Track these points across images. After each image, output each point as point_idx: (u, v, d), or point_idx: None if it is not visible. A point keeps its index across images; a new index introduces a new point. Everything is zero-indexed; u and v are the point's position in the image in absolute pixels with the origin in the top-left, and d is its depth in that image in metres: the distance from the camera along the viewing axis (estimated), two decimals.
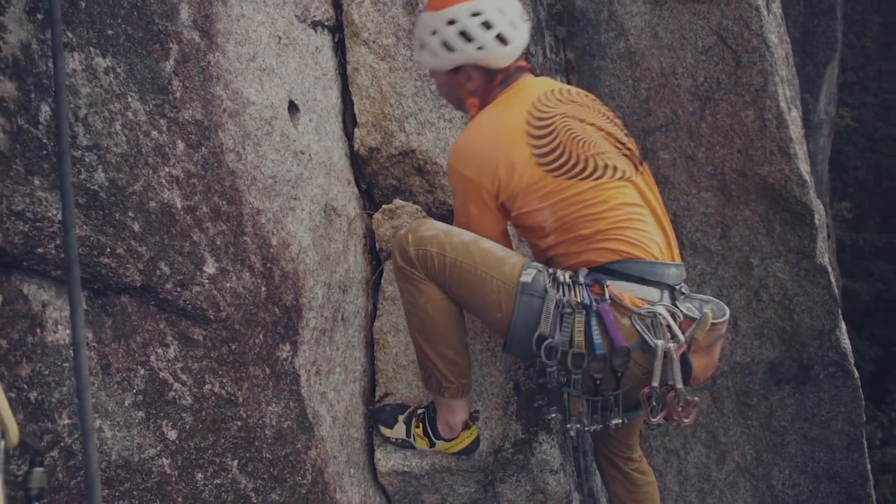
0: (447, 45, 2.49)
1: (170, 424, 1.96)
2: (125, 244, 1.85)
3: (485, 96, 2.59)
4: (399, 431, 2.81)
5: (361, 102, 3.09)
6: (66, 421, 1.65)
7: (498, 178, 2.41)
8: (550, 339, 2.33)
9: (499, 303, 2.39)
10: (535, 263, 2.43)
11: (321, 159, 2.82)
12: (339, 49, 3.09)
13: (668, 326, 2.31)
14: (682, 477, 4.51)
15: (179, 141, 2.10)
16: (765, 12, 3.62)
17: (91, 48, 1.83)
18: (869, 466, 4.44)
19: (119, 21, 1.92)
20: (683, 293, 2.45)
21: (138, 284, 1.89)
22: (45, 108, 1.65)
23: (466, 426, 2.73)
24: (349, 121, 3.13)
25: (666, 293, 2.40)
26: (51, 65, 1.68)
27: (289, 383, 2.44)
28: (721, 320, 2.39)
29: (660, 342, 2.29)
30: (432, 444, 2.75)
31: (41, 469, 1.04)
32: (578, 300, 2.32)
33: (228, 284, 2.22)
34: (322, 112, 2.89)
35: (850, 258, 14.06)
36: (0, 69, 1.55)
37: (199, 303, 2.09)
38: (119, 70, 1.91)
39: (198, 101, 2.19)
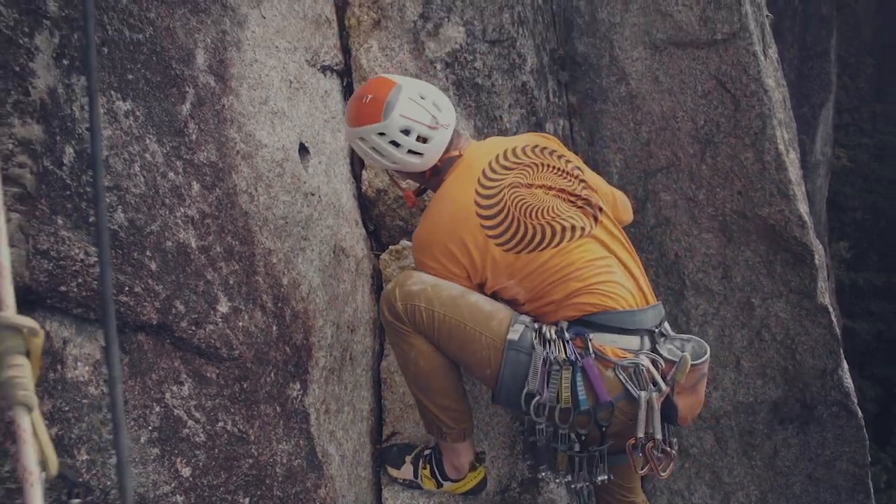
0: (367, 156, 2.57)
1: (184, 461, 1.98)
2: (143, 283, 1.89)
3: (426, 185, 2.67)
4: (406, 472, 2.82)
5: None
6: (85, 457, 1.67)
7: (463, 265, 2.46)
8: (539, 396, 2.35)
9: (488, 359, 2.41)
10: (522, 318, 2.45)
11: (330, 200, 2.87)
12: (348, 93, 3.16)
13: (650, 375, 2.33)
14: None
15: (195, 182, 2.15)
16: (762, 57, 3.71)
17: (112, 92, 1.89)
18: None
19: (139, 66, 1.99)
20: (664, 334, 2.48)
21: (154, 322, 1.93)
22: (70, 150, 1.71)
23: (473, 467, 2.74)
24: (357, 163, 3.19)
25: (646, 338, 2.43)
26: (75, 109, 1.74)
27: (299, 422, 2.47)
28: (700, 361, 2.40)
29: (643, 393, 2.31)
30: (440, 485, 2.76)
31: (78, 501, 1.06)
32: (565, 356, 2.35)
33: (241, 323, 2.25)
34: (331, 154, 2.95)
35: (850, 298, 14.08)
36: (28, 112, 1.60)
37: (212, 341, 2.12)
38: (138, 113, 1.97)
39: (212, 143, 2.25)
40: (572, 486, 2.51)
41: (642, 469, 2.37)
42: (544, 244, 2.42)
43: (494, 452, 2.95)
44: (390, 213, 3.21)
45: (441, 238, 2.47)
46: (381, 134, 2.46)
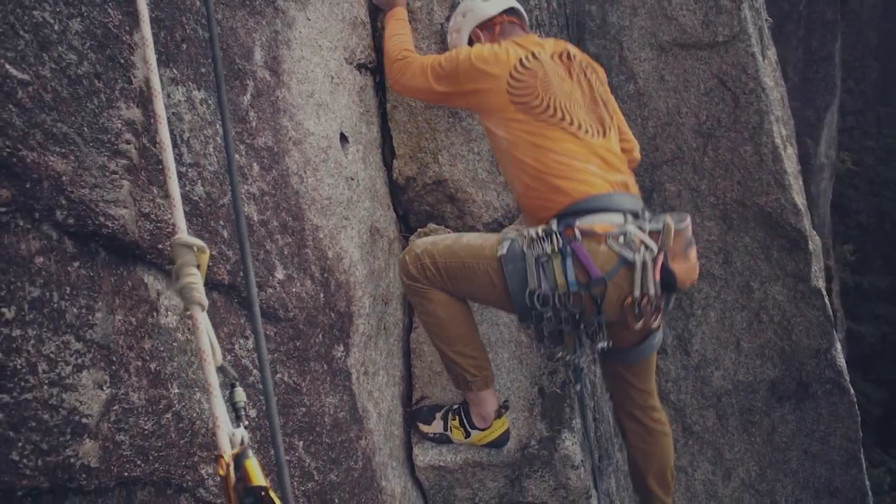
0: (457, 29, 3.20)
1: (250, 404, 2.28)
2: (217, 248, 2.19)
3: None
4: (437, 426, 3.13)
5: (399, 136, 3.46)
6: (176, 390, 1.97)
7: (471, 81, 2.88)
8: (539, 289, 2.69)
9: (492, 282, 2.78)
10: (509, 234, 2.82)
11: (367, 185, 3.17)
12: (380, 89, 3.46)
13: (641, 240, 2.62)
14: (690, 494, 4.77)
15: (255, 163, 2.45)
16: (760, 58, 4.00)
17: (190, 83, 2.19)
18: (868, 483, 4.69)
19: (210, 61, 2.28)
20: (643, 217, 2.77)
21: (226, 283, 2.23)
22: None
23: (498, 414, 3.05)
24: (388, 152, 3.49)
25: (629, 216, 2.73)
26: (162, 96, 2.04)
27: (342, 379, 2.76)
28: (683, 225, 2.67)
29: (637, 255, 2.60)
30: (468, 435, 3.06)
31: (241, 389, 1.35)
32: (552, 248, 2.67)
33: (294, 289, 2.55)
34: (367, 144, 3.26)
35: (855, 301, 14.23)
36: (131, 98, 1.90)
37: (272, 303, 2.42)
38: (210, 102, 2.26)
39: (269, 130, 2.55)
40: (579, 361, 2.87)
41: (638, 324, 2.67)
42: (545, 115, 2.81)
43: (515, 415, 3.24)
44: (418, 199, 3.51)
45: (482, 55, 2.88)
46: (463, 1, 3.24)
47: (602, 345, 2.77)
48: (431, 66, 2.96)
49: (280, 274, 2.48)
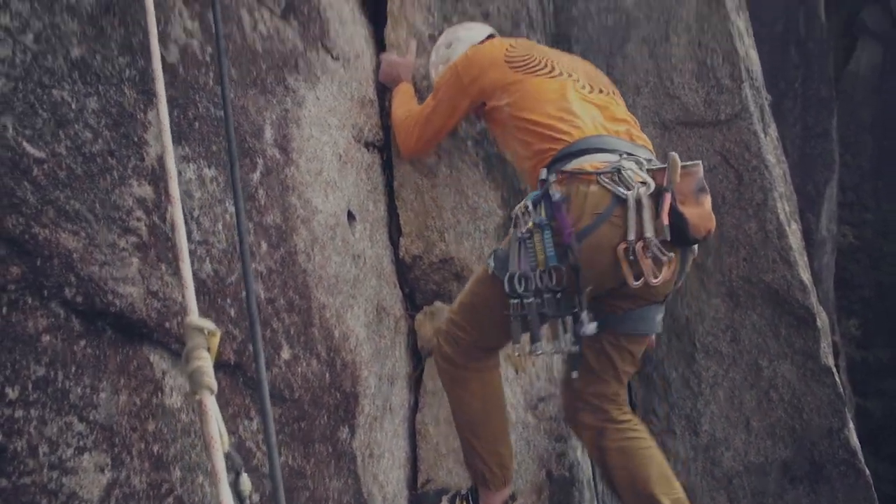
0: (445, 61, 3.19)
1: (253, 488, 2.21)
2: (224, 326, 2.16)
3: None
4: None
5: (406, 214, 3.46)
6: (178, 474, 1.91)
7: (473, 76, 2.88)
8: (517, 271, 2.49)
9: (500, 303, 2.56)
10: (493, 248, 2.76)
11: (373, 263, 3.16)
12: (387, 167, 3.48)
13: (638, 177, 2.39)
14: None
15: (263, 241, 2.44)
16: (762, 136, 4.04)
17: (201, 160, 2.20)
18: None
19: (221, 139, 2.30)
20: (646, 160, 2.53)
21: (232, 362, 2.19)
22: (169, 206, 2.00)
23: None
24: (395, 230, 3.49)
25: (626, 156, 2.49)
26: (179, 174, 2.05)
27: (347, 462, 2.69)
28: (693, 164, 2.45)
29: (630, 192, 2.35)
30: None
31: (246, 476, 1.30)
32: (532, 224, 2.48)
33: (300, 369, 2.51)
34: (373, 222, 3.26)
35: (862, 376, 14.05)
36: (143, 175, 1.91)
37: (277, 383, 2.38)
38: (220, 179, 2.27)
39: (278, 208, 2.55)
40: (563, 348, 2.55)
41: (636, 280, 2.36)
42: (543, 71, 2.77)
43: (522, 499, 3.15)
44: (424, 277, 3.49)
45: (474, 55, 2.94)
46: (444, 37, 3.33)
47: (586, 329, 2.46)
48: (431, 99, 3.03)
49: (286, 353, 2.45)
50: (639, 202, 2.35)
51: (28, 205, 1.51)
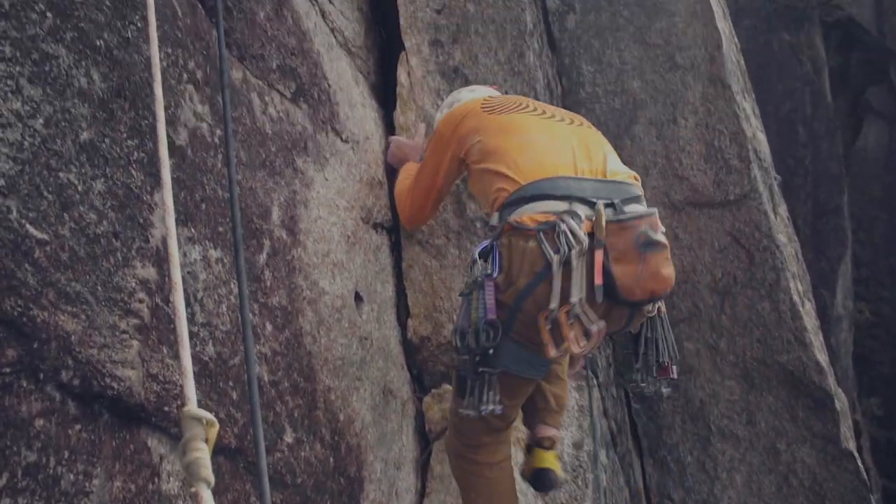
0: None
1: None
2: (225, 410, 2.12)
3: None
4: None
5: (414, 295, 3.45)
6: None
7: (453, 126, 2.77)
8: (458, 326, 2.38)
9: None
10: None
11: (380, 345, 3.13)
12: (396, 248, 3.48)
13: (571, 233, 2.19)
14: None
15: (268, 323, 2.42)
16: (772, 216, 4.04)
17: (207, 241, 2.19)
18: None
19: (227, 220, 2.30)
20: (613, 204, 2.29)
21: (233, 447, 2.14)
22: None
23: None
24: (403, 311, 3.47)
25: (578, 204, 2.27)
26: (179, 255, 2.04)
27: None
28: (627, 217, 2.22)
29: (555, 256, 2.18)
30: None
31: None
32: (473, 279, 2.37)
33: (303, 454, 2.45)
34: (381, 303, 3.24)
35: (886, 457, 13.72)
36: (147, 257, 1.90)
37: (279, 468, 2.32)
38: (226, 261, 2.26)
39: (283, 289, 2.54)
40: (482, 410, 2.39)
41: (552, 349, 2.19)
42: (518, 109, 2.68)
43: None
44: (433, 358, 3.45)
45: (452, 112, 2.87)
46: (448, 98, 3.24)
47: (489, 406, 2.35)
48: (421, 163, 3.01)
49: (289, 437, 2.40)
50: (567, 264, 2.19)
51: (27, 286, 1.50)
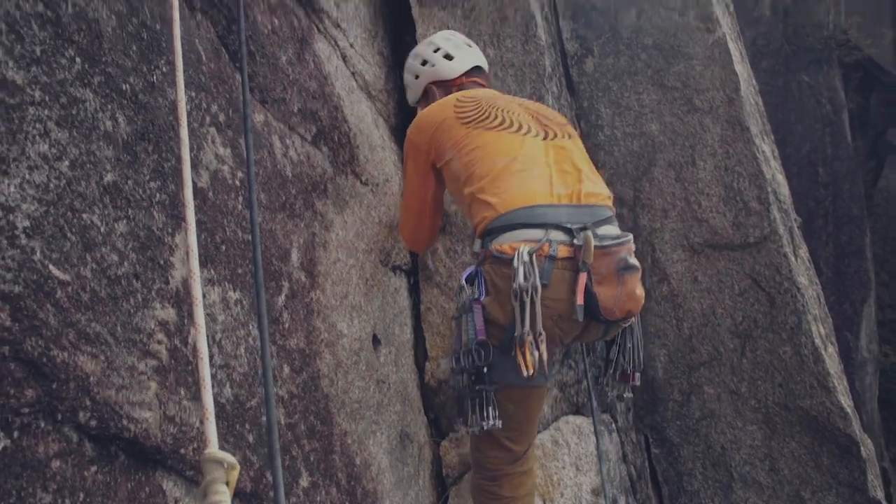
0: (416, 75, 3.15)
1: None
2: (242, 453, 2.11)
3: None
4: None
5: (432, 338, 3.43)
6: None
7: (428, 136, 2.79)
8: (455, 347, 2.53)
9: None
10: None
11: (398, 388, 3.11)
12: (414, 290, 3.48)
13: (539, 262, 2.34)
14: None
15: (286, 365, 2.41)
16: (793, 258, 4.00)
17: (226, 283, 2.20)
18: None
19: (247, 262, 2.32)
20: (587, 230, 2.43)
21: (248, 490, 2.13)
22: (192, 331, 2.00)
23: None
24: (420, 354, 3.45)
25: (554, 232, 2.42)
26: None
27: None
28: (611, 243, 2.39)
29: (520, 284, 2.31)
30: None
31: None
32: (462, 302, 2.51)
33: (318, 498, 2.43)
34: (399, 346, 3.23)
35: None
36: (167, 298, 1.91)
37: None
38: (244, 302, 2.27)
39: (302, 331, 2.54)
40: (471, 429, 2.53)
41: (528, 370, 2.29)
42: (493, 125, 2.67)
43: None
44: (451, 402, 3.43)
45: (425, 119, 2.85)
46: (429, 44, 3.15)
47: (490, 422, 2.46)
48: (405, 181, 3.00)
49: (305, 481, 2.37)
50: (534, 291, 2.32)
51: (49, 327, 1.51)
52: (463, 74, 3.08)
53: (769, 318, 4.00)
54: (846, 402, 3.94)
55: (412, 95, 3.25)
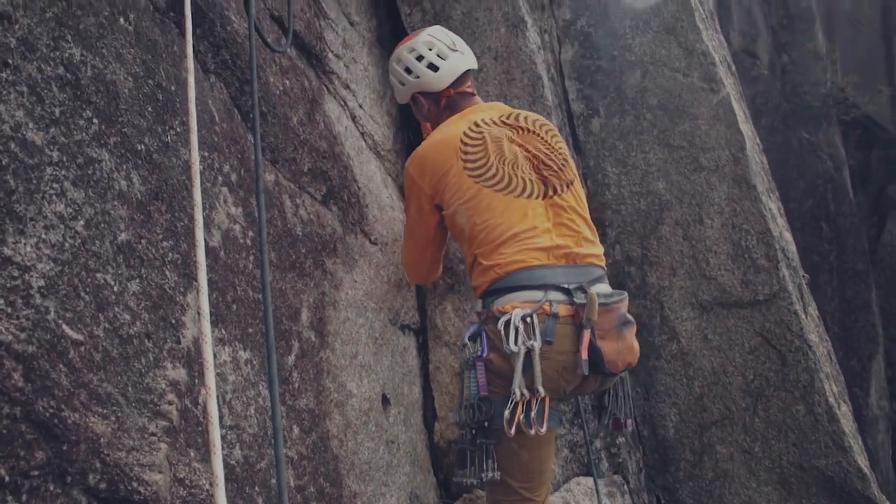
0: (401, 81, 2.98)
1: None
2: None
3: (435, 119, 2.96)
4: None
5: (441, 398, 3.40)
6: None
7: (434, 181, 2.72)
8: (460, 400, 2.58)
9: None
10: None
11: (407, 449, 3.06)
12: (423, 350, 3.46)
13: (528, 326, 2.40)
14: None
15: (295, 426, 2.38)
16: (803, 315, 3.98)
17: (237, 343, 2.19)
18: None
19: (258, 321, 2.30)
20: (584, 290, 2.50)
21: None
22: (203, 391, 1.98)
23: None
24: (430, 414, 3.41)
25: (552, 292, 2.49)
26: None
27: None
28: (612, 300, 2.48)
29: (514, 346, 2.38)
30: None
31: None
32: (466, 358, 2.54)
33: None
34: (408, 405, 3.19)
35: None
36: (178, 358, 1.89)
37: None
38: (255, 362, 2.25)
39: (311, 392, 2.51)
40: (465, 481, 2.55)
41: (511, 429, 2.35)
42: (500, 186, 2.64)
43: None
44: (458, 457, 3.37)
45: (429, 155, 2.77)
46: (412, 50, 2.93)
47: (489, 474, 2.48)
48: (406, 216, 2.97)
49: None
50: (529, 354, 2.40)
51: (61, 388, 1.49)
52: (450, 86, 2.94)
53: (781, 376, 3.96)
54: (863, 461, 3.87)
55: (400, 98, 3.12)
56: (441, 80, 2.93)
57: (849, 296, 10.38)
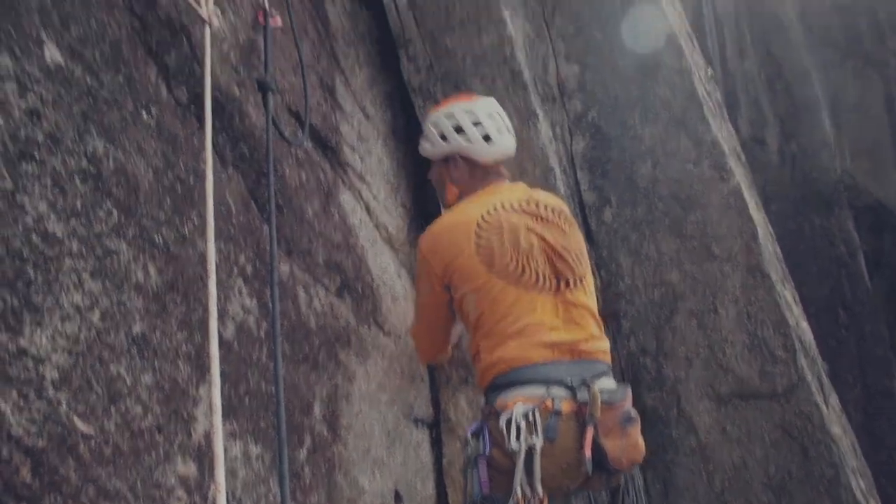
0: (443, 136, 2.87)
1: None
2: None
3: (464, 187, 2.89)
4: None
5: (455, 494, 3.31)
6: None
7: (444, 263, 2.68)
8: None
9: None
10: None
11: None
12: (436, 444, 3.39)
13: (530, 423, 2.40)
14: None
15: None
16: (824, 407, 3.90)
17: (248, 436, 2.15)
18: None
19: (270, 415, 2.27)
20: (587, 385, 2.50)
21: None
22: (212, 485, 1.93)
23: None
24: None
25: (555, 388, 2.48)
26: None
27: None
28: (616, 398, 2.50)
29: (515, 443, 2.37)
30: None
31: None
32: (467, 455, 2.54)
33: None
34: (421, 501, 3.12)
35: None
36: (189, 453, 1.86)
37: None
38: (265, 457, 2.21)
39: (323, 488, 2.45)
40: None
41: None
42: (513, 277, 2.61)
43: None
44: None
45: (444, 236, 2.75)
46: (469, 112, 2.85)
47: None
48: (417, 296, 2.95)
49: None
50: (530, 452, 2.38)
51: (69, 483, 1.46)
52: (494, 162, 2.91)
53: (804, 470, 3.85)
54: None
55: (430, 152, 2.99)
56: (490, 154, 2.87)
57: (869, 382, 10.20)
